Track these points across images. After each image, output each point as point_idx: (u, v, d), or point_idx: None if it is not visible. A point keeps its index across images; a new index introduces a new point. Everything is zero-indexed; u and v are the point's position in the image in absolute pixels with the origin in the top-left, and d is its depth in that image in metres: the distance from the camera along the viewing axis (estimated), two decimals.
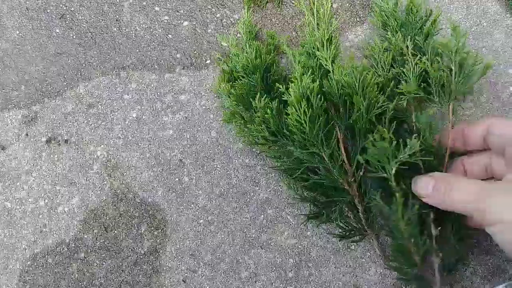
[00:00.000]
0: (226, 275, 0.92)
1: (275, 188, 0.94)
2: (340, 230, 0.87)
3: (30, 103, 1.06)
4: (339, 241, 0.90)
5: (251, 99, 0.86)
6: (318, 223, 0.90)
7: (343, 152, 0.82)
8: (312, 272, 0.90)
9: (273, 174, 0.94)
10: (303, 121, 0.77)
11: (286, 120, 0.82)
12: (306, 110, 0.76)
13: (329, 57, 0.83)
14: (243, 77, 0.91)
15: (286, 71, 0.95)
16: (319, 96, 0.78)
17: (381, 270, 0.88)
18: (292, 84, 0.78)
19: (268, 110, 0.81)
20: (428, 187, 0.64)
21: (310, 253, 0.91)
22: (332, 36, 0.87)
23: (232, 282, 0.92)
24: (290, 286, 0.90)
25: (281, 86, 0.82)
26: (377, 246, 0.87)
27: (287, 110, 0.80)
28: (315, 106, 0.77)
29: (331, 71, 0.83)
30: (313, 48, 0.87)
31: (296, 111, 0.76)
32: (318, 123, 0.77)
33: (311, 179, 0.83)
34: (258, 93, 0.84)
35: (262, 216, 0.93)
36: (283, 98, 0.81)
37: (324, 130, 0.79)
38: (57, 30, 1.08)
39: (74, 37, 1.07)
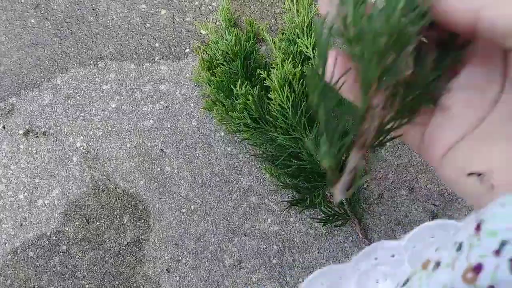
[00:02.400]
0: (210, 263, 0.92)
1: (258, 175, 0.94)
2: (323, 215, 0.88)
3: (6, 95, 1.03)
4: (322, 226, 0.91)
5: (232, 86, 0.86)
6: (301, 209, 0.91)
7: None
8: (295, 258, 0.91)
9: (255, 162, 0.95)
10: (286, 107, 0.77)
11: (268, 106, 0.82)
12: (288, 95, 0.76)
13: (310, 44, 0.84)
14: (223, 64, 0.90)
15: (266, 59, 0.95)
16: (301, 81, 0.78)
17: None
18: (274, 70, 0.79)
19: (250, 97, 0.81)
20: None
21: (294, 239, 0.91)
22: (312, 22, 0.88)
23: (216, 270, 0.92)
24: (274, 272, 0.91)
25: (262, 72, 0.82)
26: (359, 230, 0.89)
27: (269, 95, 0.80)
28: (298, 91, 0.78)
29: (312, 58, 0.83)
30: (293, 35, 0.87)
31: (279, 96, 0.77)
32: (301, 109, 0.78)
33: (294, 164, 0.83)
34: (239, 80, 0.84)
35: (245, 204, 0.94)
36: (265, 84, 0.81)
37: (306, 115, 0.80)
38: (32, 20, 1.06)
39: (50, 27, 1.05)
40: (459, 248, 0.29)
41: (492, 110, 0.28)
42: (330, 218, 0.87)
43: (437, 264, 0.31)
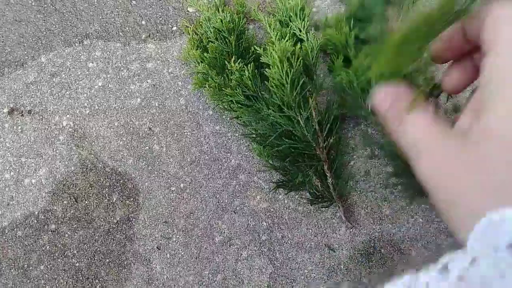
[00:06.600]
0: (201, 240, 0.94)
1: (246, 154, 0.95)
2: (310, 197, 0.90)
3: None
4: (310, 205, 0.93)
5: (226, 62, 0.86)
6: (288, 190, 0.92)
7: (314, 117, 0.84)
8: (284, 234, 0.93)
9: (244, 140, 0.96)
10: (284, 82, 0.78)
11: (262, 83, 0.83)
12: (288, 71, 0.77)
13: (304, 27, 0.85)
14: (213, 42, 0.90)
15: (256, 39, 0.95)
16: (299, 59, 0.80)
17: (350, 230, 0.92)
18: (274, 45, 0.80)
19: (246, 73, 0.82)
20: (387, 100, 0.40)
21: (282, 215, 0.93)
22: (305, 6, 0.88)
23: (206, 247, 0.93)
24: (264, 248, 0.92)
25: (258, 48, 0.83)
26: (342, 214, 0.91)
27: (264, 71, 0.81)
28: (295, 68, 0.79)
29: (306, 40, 0.84)
30: (285, 17, 0.88)
31: (279, 71, 0.78)
32: (298, 86, 0.79)
33: (285, 144, 0.85)
34: (233, 56, 0.85)
35: (234, 181, 0.95)
36: (261, 60, 0.82)
37: (301, 94, 0.81)
38: None
39: (33, 3, 1.03)
40: None
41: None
42: (316, 200, 0.89)
43: None
